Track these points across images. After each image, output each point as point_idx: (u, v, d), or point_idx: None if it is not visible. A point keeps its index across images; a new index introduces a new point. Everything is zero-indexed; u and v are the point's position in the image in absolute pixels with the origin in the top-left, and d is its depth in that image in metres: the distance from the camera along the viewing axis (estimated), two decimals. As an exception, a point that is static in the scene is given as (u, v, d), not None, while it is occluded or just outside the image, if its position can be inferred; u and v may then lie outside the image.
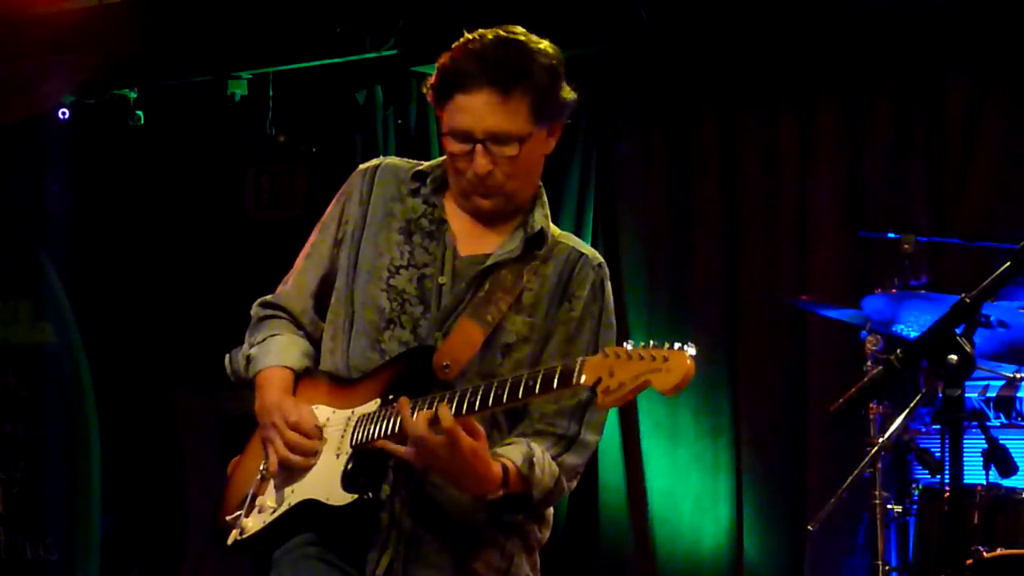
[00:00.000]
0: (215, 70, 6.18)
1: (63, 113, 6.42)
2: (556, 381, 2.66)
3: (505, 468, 2.80)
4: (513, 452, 2.84)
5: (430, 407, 2.76)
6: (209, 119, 6.43)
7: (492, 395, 2.72)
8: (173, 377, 6.56)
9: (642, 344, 2.60)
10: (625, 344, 2.61)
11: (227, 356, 3.14)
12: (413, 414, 2.77)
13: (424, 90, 2.96)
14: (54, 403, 6.62)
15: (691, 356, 2.55)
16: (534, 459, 2.84)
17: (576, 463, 2.93)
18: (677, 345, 2.57)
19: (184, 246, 6.60)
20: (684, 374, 2.53)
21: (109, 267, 6.68)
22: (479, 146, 2.85)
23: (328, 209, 3.13)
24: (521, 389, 2.69)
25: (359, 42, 5.81)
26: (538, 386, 2.67)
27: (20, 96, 6.38)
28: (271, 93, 6.28)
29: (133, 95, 6.35)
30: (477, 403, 2.73)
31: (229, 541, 3.00)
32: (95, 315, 6.65)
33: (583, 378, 2.62)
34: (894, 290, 4.84)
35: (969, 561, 4.18)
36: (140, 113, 6.34)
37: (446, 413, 2.71)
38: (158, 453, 6.62)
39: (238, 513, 3.03)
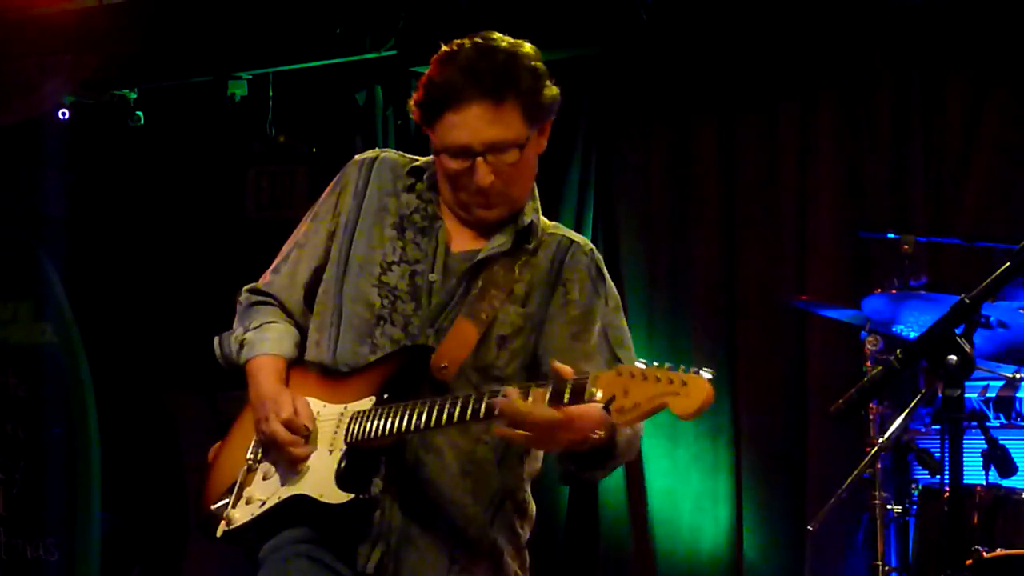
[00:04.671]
0: (215, 70, 6.18)
1: (63, 113, 6.42)
2: (567, 395, 2.63)
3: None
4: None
5: (430, 409, 2.75)
6: (209, 120, 6.43)
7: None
8: (172, 377, 6.56)
9: (655, 364, 2.58)
10: (637, 363, 2.59)
11: (216, 339, 3.12)
12: (412, 416, 2.77)
13: (410, 110, 2.94)
14: (54, 403, 6.62)
15: (709, 382, 2.52)
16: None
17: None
18: (693, 369, 2.55)
19: (184, 247, 6.60)
20: (703, 400, 2.50)
21: (109, 267, 6.68)
22: (479, 159, 2.85)
23: (322, 198, 3.12)
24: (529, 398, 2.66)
25: (359, 42, 5.81)
26: (547, 400, 2.65)
27: (20, 96, 6.37)
28: (271, 93, 6.27)
29: (133, 95, 6.35)
30: (482, 411, 2.70)
31: (218, 533, 2.99)
32: (95, 315, 6.65)
33: (598, 394, 2.59)
34: (894, 290, 4.83)
35: (969, 561, 4.18)
36: (140, 113, 6.34)
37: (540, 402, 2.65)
38: (158, 453, 6.62)
39: (224, 502, 3.01)
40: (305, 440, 2.89)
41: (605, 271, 3.02)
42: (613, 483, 6.08)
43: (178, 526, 6.51)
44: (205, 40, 6.09)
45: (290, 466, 2.91)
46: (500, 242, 2.95)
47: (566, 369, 2.66)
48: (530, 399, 2.67)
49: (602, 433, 2.73)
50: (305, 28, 5.89)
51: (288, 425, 2.89)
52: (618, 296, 3.03)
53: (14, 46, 6.26)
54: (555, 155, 3.02)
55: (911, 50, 5.61)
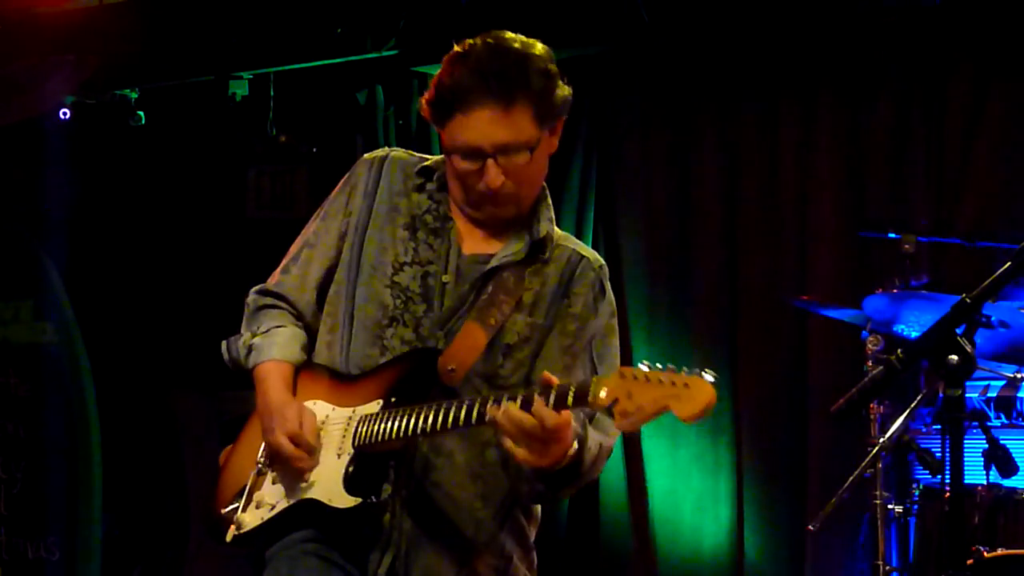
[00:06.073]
0: (216, 70, 6.18)
1: (64, 113, 6.42)
2: (571, 399, 2.63)
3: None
4: None
5: (436, 412, 2.75)
6: (210, 119, 6.43)
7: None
8: (174, 377, 6.56)
9: (659, 366, 2.56)
10: (640, 365, 2.58)
11: (224, 343, 3.10)
12: (419, 419, 2.76)
13: (420, 108, 2.93)
14: (55, 403, 6.62)
15: (712, 384, 2.51)
16: (585, 423, 2.81)
17: (603, 439, 2.86)
18: (696, 371, 2.53)
19: (185, 246, 6.60)
20: (706, 403, 2.49)
21: (110, 267, 6.68)
22: (489, 160, 2.83)
23: (330, 197, 3.09)
24: (534, 405, 2.66)
25: (360, 42, 5.81)
26: (551, 403, 2.64)
27: (20, 96, 6.37)
28: (272, 93, 6.28)
29: (134, 95, 6.36)
30: (487, 414, 2.70)
31: (228, 537, 2.98)
32: (96, 315, 6.65)
33: (601, 394, 2.58)
34: (895, 290, 4.84)
35: (970, 561, 4.18)
36: (141, 113, 6.35)
37: (543, 406, 2.65)
38: (159, 453, 6.62)
39: (234, 506, 3.01)
40: (309, 454, 2.87)
41: (608, 288, 3.00)
42: (613, 483, 6.08)
43: (179, 526, 6.52)
44: (206, 40, 6.09)
45: (299, 471, 2.90)
46: (514, 250, 2.93)
47: (553, 378, 2.67)
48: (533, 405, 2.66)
49: (572, 451, 2.73)
50: (306, 28, 5.89)
51: (293, 439, 2.87)
52: (615, 314, 3.01)
53: (14, 46, 6.26)
54: (556, 155, 3.01)
55: (912, 49, 5.61)
